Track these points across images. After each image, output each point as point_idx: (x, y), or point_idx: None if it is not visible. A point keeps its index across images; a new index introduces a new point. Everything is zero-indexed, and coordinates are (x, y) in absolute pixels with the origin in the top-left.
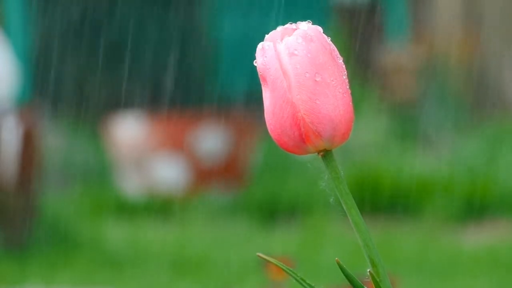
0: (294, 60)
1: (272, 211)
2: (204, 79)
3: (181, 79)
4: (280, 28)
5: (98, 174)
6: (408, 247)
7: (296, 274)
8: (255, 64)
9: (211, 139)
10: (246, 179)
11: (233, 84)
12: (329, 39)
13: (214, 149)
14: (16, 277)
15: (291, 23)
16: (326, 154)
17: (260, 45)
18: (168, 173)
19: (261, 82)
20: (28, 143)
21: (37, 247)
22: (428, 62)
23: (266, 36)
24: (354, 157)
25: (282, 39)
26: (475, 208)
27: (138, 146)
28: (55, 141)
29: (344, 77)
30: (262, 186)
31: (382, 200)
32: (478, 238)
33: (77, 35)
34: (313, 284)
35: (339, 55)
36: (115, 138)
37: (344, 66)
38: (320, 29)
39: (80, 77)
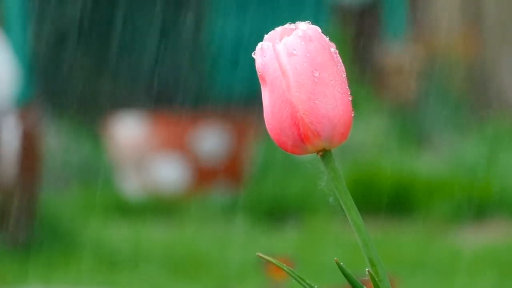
0: (293, 60)
1: (272, 211)
2: (204, 79)
3: (181, 79)
4: (279, 28)
5: (98, 174)
6: (408, 247)
7: (296, 274)
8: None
9: (211, 139)
10: (246, 179)
11: (233, 84)
12: (328, 39)
13: (214, 149)
14: (16, 277)
15: (290, 23)
16: (325, 154)
17: (259, 45)
18: (168, 173)
19: (260, 82)
20: (28, 143)
21: (37, 247)
22: (427, 62)
23: (265, 36)
24: (354, 157)
25: (281, 39)
26: (475, 208)
27: (138, 146)
28: (55, 141)
29: (343, 77)
30: (262, 186)
31: (381, 200)
32: (478, 238)
33: (77, 35)
34: (313, 284)
35: (338, 55)
36: (115, 138)
37: (343, 66)
38: (319, 29)
39: (80, 77)
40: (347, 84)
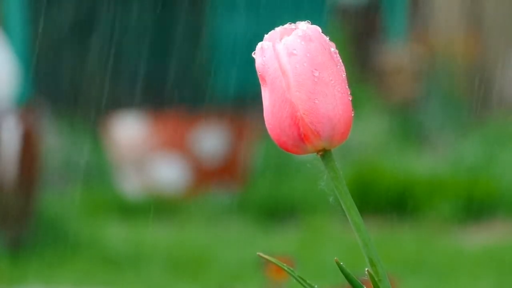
0: (293, 59)
1: (272, 211)
2: (204, 79)
3: (181, 79)
4: (279, 28)
5: (98, 174)
6: (408, 247)
7: (296, 274)
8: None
9: (211, 139)
10: (246, 179)
11: (233, 84)
12: (328, 39)
13: (214, 149)
14: (16, 277)
15: (290, 23)
16: (325, 154)
17: (259, 45)
18: (168, 173)
19: (260, 82)
20: (28, 143)
21: (37, 247)
22: (428, 62)
23: (265, 36)
24: (354, 157)
25: (281, 39)
26: (476, 208)
27: (138, 146)
28: (55, 141)
29: (343, 77)
30: (262, 186)
31: (381, 200)
32: (478, 238)
33: (77, 34)
34: (313, 284)
35: (338, 55)
36: (115, 138)
37: (343, 65)
38: (319, 29)
39: (80, 77)
40: (347, 84)
